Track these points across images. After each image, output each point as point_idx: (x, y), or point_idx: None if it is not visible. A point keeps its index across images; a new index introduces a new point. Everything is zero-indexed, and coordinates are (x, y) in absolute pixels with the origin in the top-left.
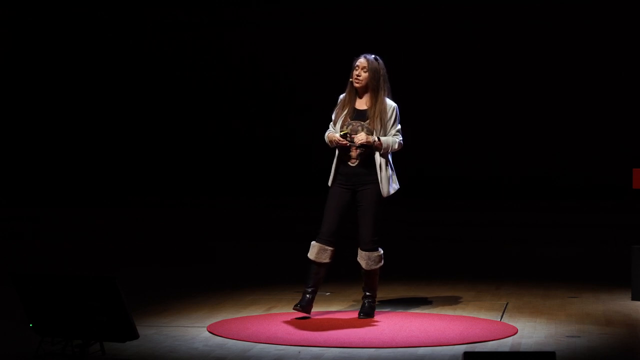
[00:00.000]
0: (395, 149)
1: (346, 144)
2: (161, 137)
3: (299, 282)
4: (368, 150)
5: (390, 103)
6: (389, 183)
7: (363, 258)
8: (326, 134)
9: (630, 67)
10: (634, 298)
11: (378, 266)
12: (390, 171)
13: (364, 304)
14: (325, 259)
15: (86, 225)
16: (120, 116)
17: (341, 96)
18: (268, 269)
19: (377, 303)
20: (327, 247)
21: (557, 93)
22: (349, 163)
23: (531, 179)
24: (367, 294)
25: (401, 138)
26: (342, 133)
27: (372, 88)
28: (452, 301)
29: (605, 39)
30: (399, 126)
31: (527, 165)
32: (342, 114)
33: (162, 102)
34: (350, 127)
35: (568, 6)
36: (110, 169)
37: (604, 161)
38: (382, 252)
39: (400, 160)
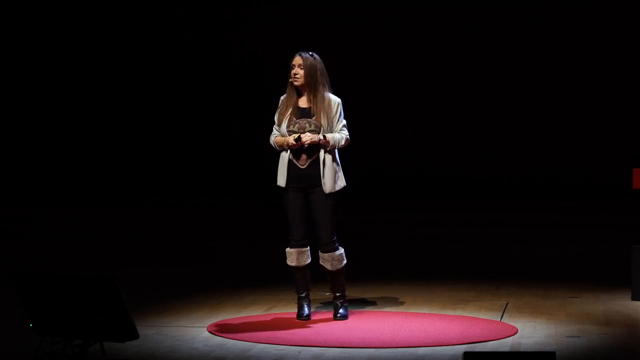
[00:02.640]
0: (342, 145)
1: (298, 145)
2: (161, 137)
3: None
4: (315, 149)
5: (335, 98)
6: (334, 180)
7: (327, 260)
8: (272, 137)
9: (630, 67)
10: (634, 298)
11: (342, 265)
12: (336, 167)
13: (336, 305)
14: (305, 260)
15: (86, 225)
16: (120, 116)
17: (282, 97)
18: (268, 269)
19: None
20: (303, 249)
21: (557, 93)
22: (299, 165)
23: (531, 179)
24: (338, 294)
25: (347, 133)
26: (295, 137)
27: (310, 84)
28: (452, 301)
29: (605, 39)
30: (344, 121)
31: (527, 165)
32: (286, 114)
33: (162, 102)
34: (297, 125)
35: (568, 6)
36: (110, 169)
37: (604, 161)
38: (343, 250)
39: (401, 160)
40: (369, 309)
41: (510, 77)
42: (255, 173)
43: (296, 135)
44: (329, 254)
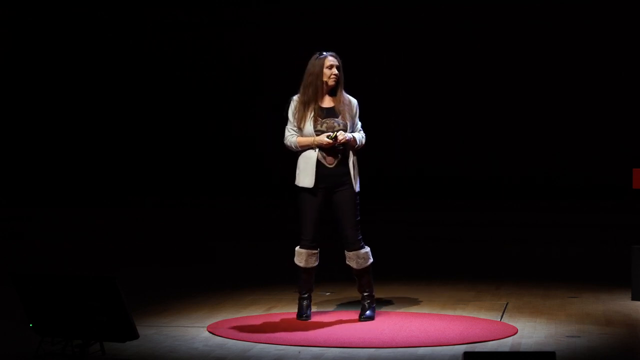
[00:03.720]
0: (362, 145)
1: (333, 143)
2: (161, 137)
3: None
4: (344, 148)
5: (353, 99)
6: (358, 179)
7: (352, 258)
8: (292, 138)
9: (630, 67)
10: (634, 298)
11: (369, 263)
12: (357, 167)
13: (364, 305)
14: (313, 262)
15: (86, 225)
16: (120, 116)
17: (295, 97)
18: (268, 269)
19: (378, 304)
20: (313, 251)
21: (557, 93)
22: (327, 164)
23: (531, 179)
24: (365, 294)
25: (363, 133)
26: (332, 135)
27: (337, 85)
28: (452, 301)
29: (605, 39)
30: (360, 122)
31: (527, 165)
32: (307, 114)
33: (162, 102)
34: (326, 125)
35: (568, 6)
36: (110, 169)
37: (604, 161)
38: (369, 249)
39: (401, 160)
40: None
41: (510, 77)
42: (256, 173)
43: (333, 134)
44: (355, 252)
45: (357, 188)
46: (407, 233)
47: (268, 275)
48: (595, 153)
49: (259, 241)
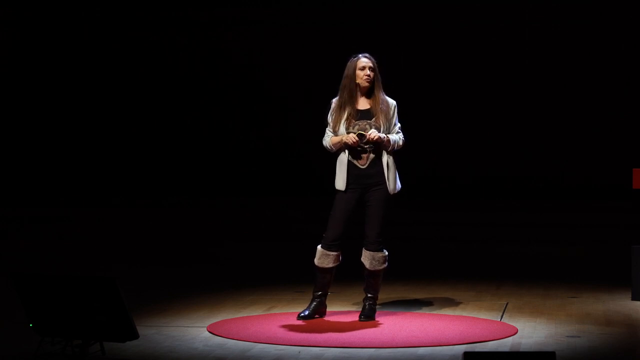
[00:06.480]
0: (400, 146)
1: (358, 142)
2: (161, 137)
3: (299, 282)
4: (377, 148)
5: (391, 100)
6: (395, 182)
7: (367, 258)
8: (326, 139)
9: (630, 67)
10: (634, 298)
11: (382, 267)
12: (395, 170)
13: (365, 305)
14: (328, 264)
15: (86, 225)
16: (120, 116)
17: (334, 100)
18: (268, 269)
19: (377, 305)
20: (329, 253)
21: (557, 93)
22: (359, 165)
23: (531, 179)
24: (369, 295)
25: (402, 135)
26: (358, 133)
27: (372, 87)
28: (452, 301)
29: (606, 39)
30: (399, 124)
31: (527, 165)
32: (342, 116)
33: (162, 102)
34: (357, 127)
35: (568, 6)
36: (111, 169)
37: (604, 161)
38: (386, 253)
39: (401, 160)
40: None
41: (510, 78)
42: (255, 173)
43: (359, 132)
44: (371, 252)
45: (392, 190)
46: (407, 233)
47: (268, 275)
48: (595, 153)
49: (260, 241)
